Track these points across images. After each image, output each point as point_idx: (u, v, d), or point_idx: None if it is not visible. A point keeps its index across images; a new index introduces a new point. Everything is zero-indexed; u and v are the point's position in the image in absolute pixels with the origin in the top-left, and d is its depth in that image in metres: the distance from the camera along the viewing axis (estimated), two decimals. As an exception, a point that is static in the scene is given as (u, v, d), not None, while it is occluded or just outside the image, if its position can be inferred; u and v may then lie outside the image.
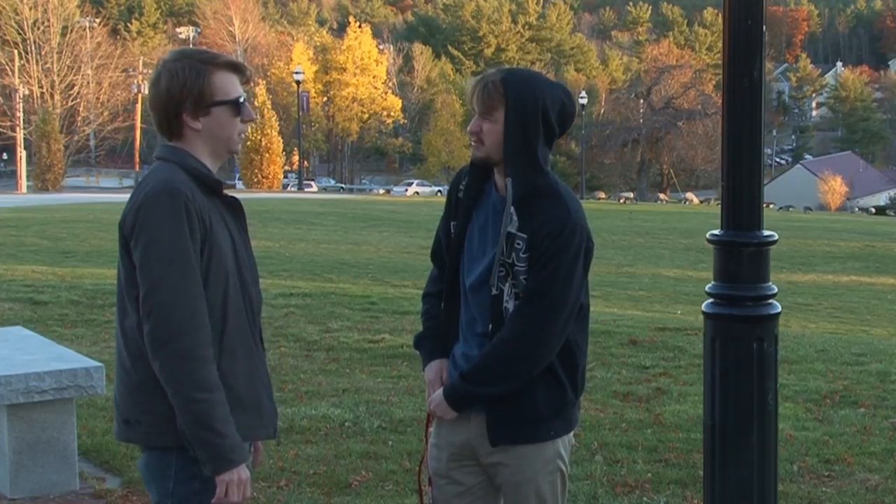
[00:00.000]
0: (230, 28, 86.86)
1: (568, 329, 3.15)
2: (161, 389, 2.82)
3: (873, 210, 69.74)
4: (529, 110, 3.12)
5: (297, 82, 63.30)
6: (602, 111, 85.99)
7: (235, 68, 3.01)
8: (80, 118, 65.93)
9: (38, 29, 64.54)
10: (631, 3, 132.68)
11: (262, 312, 3.10)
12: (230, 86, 2.97)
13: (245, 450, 2.89)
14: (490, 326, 3.17)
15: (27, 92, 64.26)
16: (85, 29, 68.76)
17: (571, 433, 3.31)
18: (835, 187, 75.73)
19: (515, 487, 3.23)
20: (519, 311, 3.12)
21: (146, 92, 3.14)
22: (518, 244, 3.12)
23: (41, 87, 65.07)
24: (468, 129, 3.24)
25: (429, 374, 3.33)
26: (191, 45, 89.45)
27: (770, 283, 3.74)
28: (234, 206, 3.02)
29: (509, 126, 3.12)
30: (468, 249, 3.25)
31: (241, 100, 2.99)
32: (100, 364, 5.51)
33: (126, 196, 3.36)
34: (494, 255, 3.15)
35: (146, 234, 2.80)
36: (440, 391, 3.23)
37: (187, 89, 2.91)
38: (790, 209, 60.06)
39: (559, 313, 3.11)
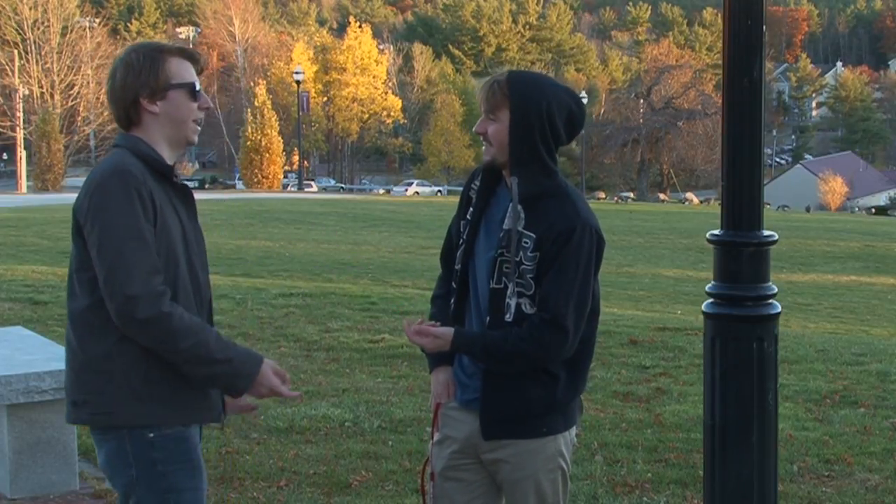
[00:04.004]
0: (230, 28, 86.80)
1: (583, 327, 3.16)
2: (108, 369, 2.89)
3: (873, 210, 69.68)
4: (534, 111, 3.12)
5: (297, 82, 63.30)
6: (602, 111, 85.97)
7: (190, 56, 3.07)
8: (80, 118, 65.87)
9: (38, 29, 64.47)
10: (631, 3, 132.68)
11: (211, 300, 3.14)
12: (185, 71, 3.04)
13: (258, 356, 2.99)
14: (488, 319, 3.18)
15: (27, 92, 64.21)
16: (85, 29, 68.69)
17: (573, 431, 3.30)
18: (835, 187, 75.72)
19: (515, 484, 3.24)
20: (542, 318, 3.10)
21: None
22: (525, 243, 3.13)
23: (41, 87, 65.02)
24: (475, 128, 3.25)
25: (436, 387, 3.31)
26: (190, 46, 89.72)
27: (770, 283, 3.74)
28: (185, 193, 3.07)
29: (514, 126, 3.13)
30: (477, 251, 3.26)
31: (197, 86, 3.05)
32: (100, 364, 5.49)
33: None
34: (498, 251, 3.15)
35: (100, 219, 2.86)
36: (450, 330, 3.18)
37: (144, 76, 2.98)
38: (786, 209, 59.97)
39: (581, 316, 3.13)
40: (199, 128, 3.12)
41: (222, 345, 2.92)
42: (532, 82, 3.17)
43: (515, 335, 3.11)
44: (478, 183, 3.29)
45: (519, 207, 3.13)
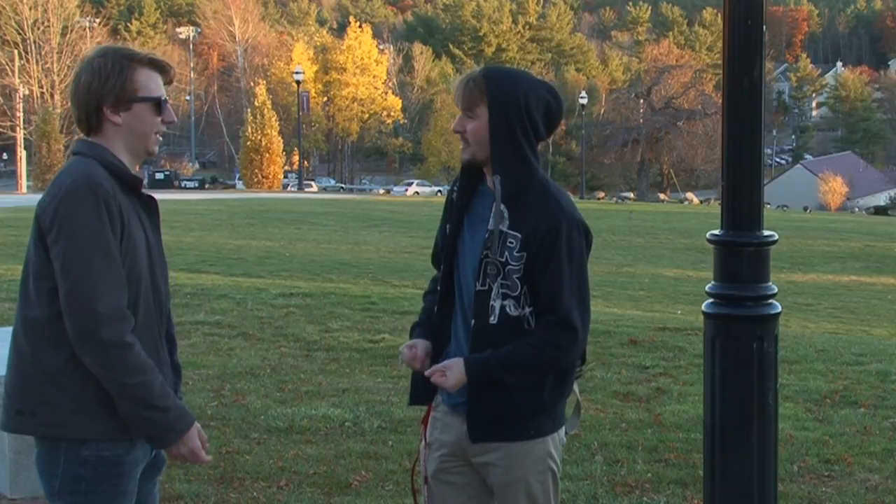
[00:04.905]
0: (230, 28, 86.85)
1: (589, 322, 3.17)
2: (62, 381, 2.85)
3: (873, 210, 69.64)
4: (512, 106, 3.10)
5: (297, 82, 63.33)
6: (602, 111, 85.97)
7: (159, 67, 3.01)
8: (80, 118, 65.87)
9: (38, 29, 64.46)
10: (631, 3, 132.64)
11: (171, 310, 3.12)
12: (153, 84, 2.98)
13: (191, 415, 2.95)
14: (473, 321, 3.16)
15: (27, 92, 64.22)
16: (85, 29, 68.68)
17: (562, 432, 3.28)
18: (835, 187, 75.69)
19: (505, 487, 3.22)
20: (549, 320, 3.09)
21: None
22: (511, 242, 3.11)
23: (41, 87, 65.01)
24: (453, 127, 3.22)
25: (404, 349, 3.27)
26: (190, 46, 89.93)
27: (770, 283, 3.73)
28: (150, 205, 3.03)
29: (493, 122, 3.10)
30: (461, 250, 3.23)
31: (163, 99, 3.00)
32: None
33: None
34: (483, 254, 3.13)
35: (67, 229, 2.80)
36: (459, 360, 3.13)
37: (110, 84, 2.92)
38: (786, 209, 59.97)
39: (586, 311, 3.13)
40: (161, 139, 3.08)
41: (164, 392, 2.87)
42: (508, 77, 3.15)
43: (527, 344, 3.09)
44: (458, 184, 3.26)
45: (502, 207, 3.11)
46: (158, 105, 2.98)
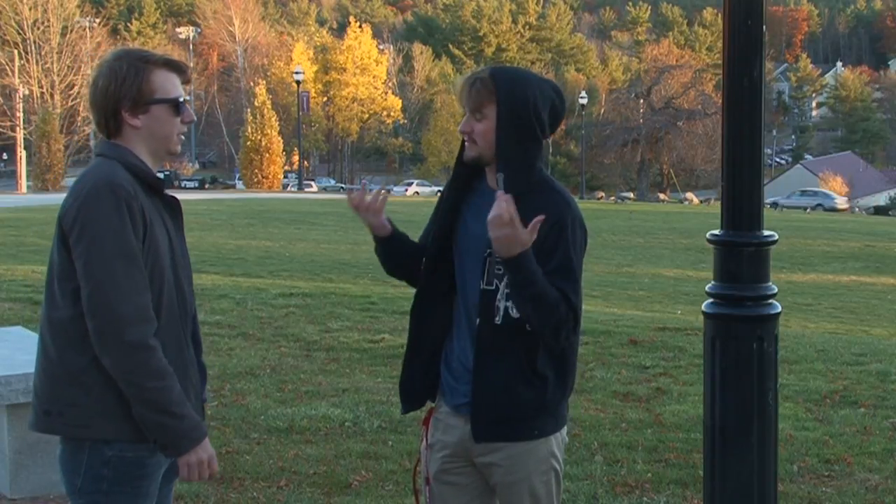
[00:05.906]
0: (230, 28, 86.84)
1: None
2: (87, 382, 2.85)
3: (873, 210, 69.63)
4: (521, 107, 3.09)
5: (297, 82, 63.32)
6: (602, 111, 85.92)
7: (176, 68, 3.02)
8: (80, 118, 65.81)
9: (38, 29, 64.50)
10: (631, 3, 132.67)
11: (197, 312, 3.12)
12: (170, 85, 2.99)
13: (205, 427, 2.94)
14: (478, 321, 3.15)
15: (27, 92, 64.25)
16: (85, 29, 68.72)
17: (563, 431, 3.28)
18: (835, 187, 75.67)
19: (509, 487, 3.22)
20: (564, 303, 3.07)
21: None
22: None
23: (41, 87, 65.04)
24: (459, 128, 3.19)
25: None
26: (190, 46, 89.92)
27: (770, 283, 3.73)
28: (173, 206, 3.04)
29: (501, 123, 3.09)
30: (463, 249, 3.22)
31: (181, 99, 3.01)
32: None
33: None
34: (488, 252, 3.11)
35: (89, 231, 2.80)
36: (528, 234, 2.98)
37: (126, 87, 2.92)
38: (782, 209, 59.93)
39: (581, 306, 3.13)
40: (183, 138, 3.09)
41: (181, 400, 2.87)
42: (516, 77, 3.14)
43: (555, 292, 3.03)
44: (453, 180, 3.26)
45: None
46: (176, 106, 2.99)
